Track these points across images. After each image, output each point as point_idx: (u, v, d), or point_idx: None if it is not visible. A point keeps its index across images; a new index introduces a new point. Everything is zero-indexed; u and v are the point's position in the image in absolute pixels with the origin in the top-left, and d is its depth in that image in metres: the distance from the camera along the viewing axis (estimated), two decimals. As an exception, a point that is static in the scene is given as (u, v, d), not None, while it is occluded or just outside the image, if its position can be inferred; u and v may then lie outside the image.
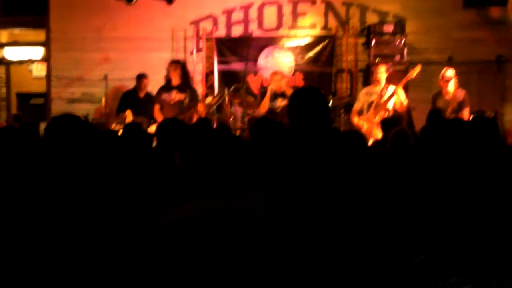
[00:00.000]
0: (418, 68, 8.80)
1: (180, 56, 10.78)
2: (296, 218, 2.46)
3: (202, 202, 2.35)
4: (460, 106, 8.60)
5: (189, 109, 8.88)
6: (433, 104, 8.78)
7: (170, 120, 5.29)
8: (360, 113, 8.78)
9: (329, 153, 3.08)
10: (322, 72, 10.92)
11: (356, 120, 8.68)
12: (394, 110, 8.56)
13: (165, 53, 10.81)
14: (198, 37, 11.05)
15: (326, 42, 10.97)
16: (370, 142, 7.62)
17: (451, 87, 8.67)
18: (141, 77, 9.96)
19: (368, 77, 10.04)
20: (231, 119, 9.51)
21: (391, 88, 8.63)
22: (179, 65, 9.10)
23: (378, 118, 8.41)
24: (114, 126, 9.03)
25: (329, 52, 10.91)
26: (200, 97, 9.57)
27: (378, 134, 7.98)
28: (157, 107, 9.08)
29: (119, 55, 10.99)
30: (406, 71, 9.70)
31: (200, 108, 8.80)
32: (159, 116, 8.80)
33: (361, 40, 10.94)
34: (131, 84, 10.20)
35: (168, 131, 4.65)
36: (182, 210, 2.31)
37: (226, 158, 2.43)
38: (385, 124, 7.08)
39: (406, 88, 9.61)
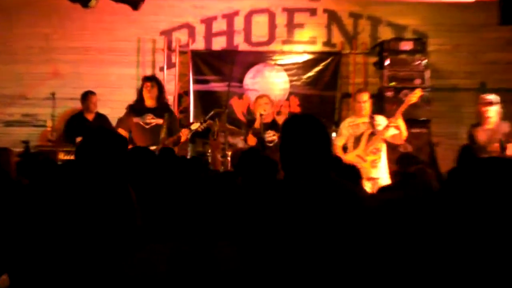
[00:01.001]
0: (418, 92, 8.58)
1: (147, 72, 10.63)
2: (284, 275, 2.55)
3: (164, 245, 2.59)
4: (506, 139, 8.11)
5: (168, 138, 8.71)
6: (469, 137, 8.46)
7: (142, 148, 5.24)
8: (344, 149, 8.76)
9: (329, 202, 2.99)
10: (323, 96, 10.89)
11: (343, 156, 8.35)
12: (390, 144, 8.57)
13: (128, 68, 10.76)
14: (170, 50, 10.93)
15: (329, 60, 10.93)
16: (371, 186, 7.77)
17: (493, 114, 8.24)
18: (87, 95, 9.76)
19: (381, 105, 9.90)
20: (209, 152, 9.55)
21: (382, 119, 8.60)
22: (155, 83, 8.90)
23: (371, 157, 8.41)
24: (62, 156, 8.95)
25: (332, 73, 10.88)
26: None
27: (372, 173, 8.10)
28: (122, 133, 8.62)
29: (71, 69, 10.83)
30: (427, 100, 9.81)
31: (184, 134, 8.59)
32: None
33: (372, 59, 10.88)
34: (85, 104, 10.05)
35: (139, 162, 4.63)
36: (147, 255, 2.55)
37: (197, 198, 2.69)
38: (402, 162, 6.86)
39: (427, 120, 9.88)
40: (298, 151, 3.22)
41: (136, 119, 8.79)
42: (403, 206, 2.80)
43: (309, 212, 2.84)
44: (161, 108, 8.86)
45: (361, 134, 8.56)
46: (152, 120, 8.79)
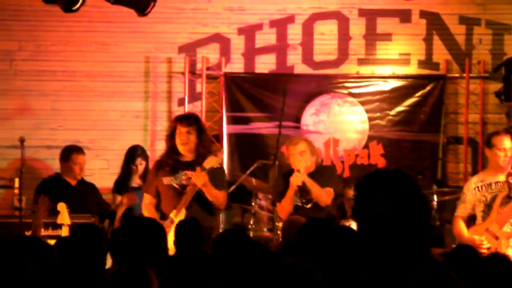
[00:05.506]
0: None
1: (160, 107, 9.83)
2: None
3: None
4: None
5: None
6: None
7: (191, 221, 5.96)
8: (469, 220, 7.96)
9: None
10: (420, 142, 10.03)
11: (465, 232, 7.67)
12: None
13: (132, 102, 9.93)
14: (194, 75, 10.07)
15: (428, 88, 9.94)
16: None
17: None
18: (70, 153, 8.68)
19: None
20: (251, 223, 9.08)
21: None
22: (194, 125, 7.89)
23: (508, 231, 7.49)
24: (42, 231, 8.01)
25: (433, 106, 9.95)
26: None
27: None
28: (147, 200, 8.00)
29: (47, 103, 9.94)
30: None
31: (193, 185, 7.75)
32: (150, 212, 7.85)
33: (495, 85, 9.88)
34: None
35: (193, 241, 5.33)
36: None
37: None
38: None
39: None
40: (380, 223, 2.90)
41: (167, 180, 7.86)
42: None
43: None
44: (202, 161, 7.94)
45: (493, 199, 7.74)
46: (189, 180, 7.91)
